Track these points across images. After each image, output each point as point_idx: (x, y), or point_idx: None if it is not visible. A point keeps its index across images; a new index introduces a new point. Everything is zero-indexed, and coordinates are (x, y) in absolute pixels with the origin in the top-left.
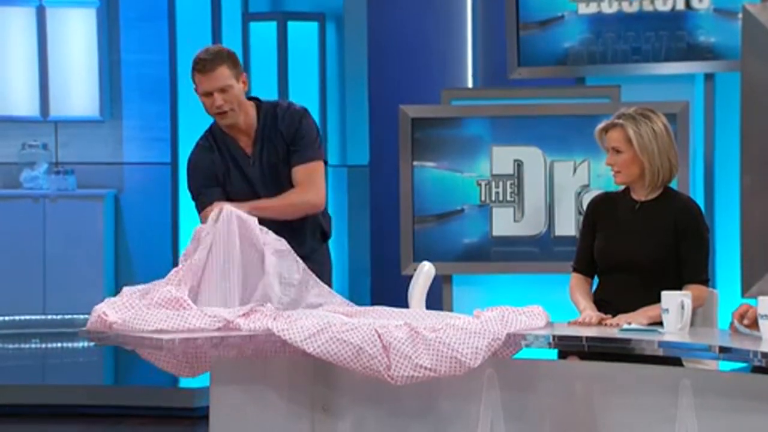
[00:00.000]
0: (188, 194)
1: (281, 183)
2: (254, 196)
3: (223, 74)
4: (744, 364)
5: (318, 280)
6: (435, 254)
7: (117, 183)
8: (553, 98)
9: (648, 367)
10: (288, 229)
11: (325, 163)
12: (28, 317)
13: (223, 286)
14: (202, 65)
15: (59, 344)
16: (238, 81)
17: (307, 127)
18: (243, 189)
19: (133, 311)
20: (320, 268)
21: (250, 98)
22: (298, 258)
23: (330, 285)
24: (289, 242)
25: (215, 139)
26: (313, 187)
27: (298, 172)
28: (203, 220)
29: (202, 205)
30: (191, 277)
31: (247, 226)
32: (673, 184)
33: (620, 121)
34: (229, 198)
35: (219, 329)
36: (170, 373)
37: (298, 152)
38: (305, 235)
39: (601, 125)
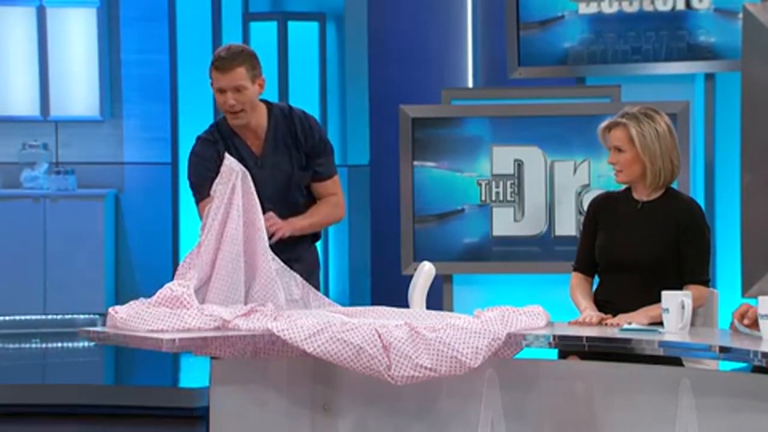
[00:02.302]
0: (189, 194)
1: (290, 189)
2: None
3: (240, 75)
4: (744, 364)
5: (317, 292)
6: (435, 254)
7: (117, 183)
8: (553, 98)
9: (648, 367)
10: None
11: None
12: (28, 317)
13: (234, 264)
14: (220, 63)
15: (59, 344)
16: (254, 83)
17: (326, 140)
18: None
19: (135, 309)
20: (310, 269)
21: (260, 100)
22: (296, 274)
23: (318, 286)
24: (280, 245)
25: (221, 135)
26: (341, 202)
27: (327, 186)
28: (201, 213)
29: (201, 196)
30: (202, 259)
31: (251, 208)
32: (674, 185)
33: (623, 120)
34: None
35: (217, 329)
36: None
37: (323, 166)
38: (298, 239)
39: (604, 123)
